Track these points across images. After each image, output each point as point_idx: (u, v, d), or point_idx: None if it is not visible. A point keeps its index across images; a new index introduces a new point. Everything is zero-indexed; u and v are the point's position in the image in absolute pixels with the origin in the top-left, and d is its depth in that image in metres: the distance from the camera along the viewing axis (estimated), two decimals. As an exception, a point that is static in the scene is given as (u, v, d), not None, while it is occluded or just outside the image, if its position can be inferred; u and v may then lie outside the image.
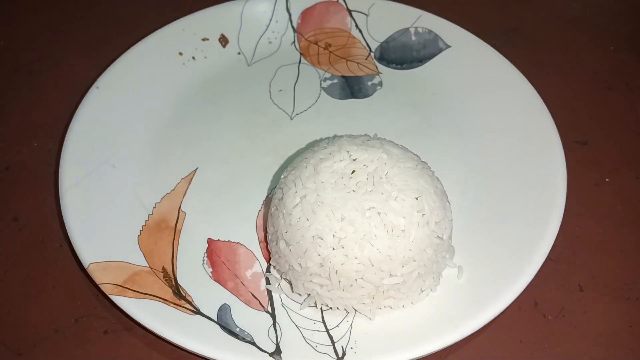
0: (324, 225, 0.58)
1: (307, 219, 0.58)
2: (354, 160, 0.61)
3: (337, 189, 0.59)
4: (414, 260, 0.58)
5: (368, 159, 0.60)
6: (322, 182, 0.59)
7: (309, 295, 0.61)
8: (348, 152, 0.61)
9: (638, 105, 0.84)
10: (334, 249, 0.57)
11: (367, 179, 0.59)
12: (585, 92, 0.85)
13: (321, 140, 0.73)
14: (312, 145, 0.68)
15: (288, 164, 0.66)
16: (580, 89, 0.86)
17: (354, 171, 0.59)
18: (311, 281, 0.59)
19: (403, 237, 0.57)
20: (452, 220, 0.63)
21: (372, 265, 0.57)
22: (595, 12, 0.98)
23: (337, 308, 0.60)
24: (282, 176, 0.64)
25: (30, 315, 0.64)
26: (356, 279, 0.58)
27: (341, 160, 0.60)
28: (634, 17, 0.96)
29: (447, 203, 0.63)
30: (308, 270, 0.59)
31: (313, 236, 0.58)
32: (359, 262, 0.57)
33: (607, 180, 0.75)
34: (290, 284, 0.63)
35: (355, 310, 0.60)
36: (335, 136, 0.67)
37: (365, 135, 0.66)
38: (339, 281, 0.58)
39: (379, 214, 0.57)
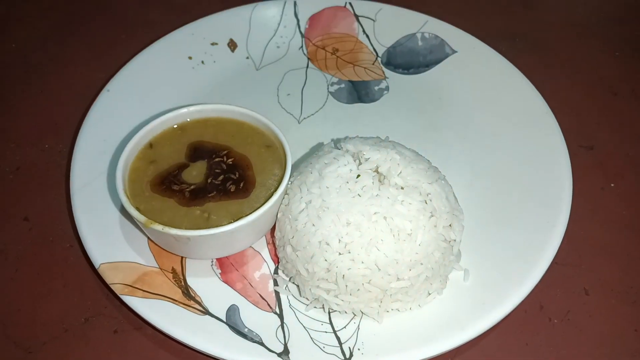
0: (330, 230, 0.58)
1: (313, 225, 0.59)
2: (367, 159, 0.61)
3: (342, 193, 0.59)
4: (421, 264, 0.58)
5: (381, 159, 0.61)
6: (327, 187, 0.59)
7: (315, 299, 0.61)
8: (360, 151, 0.61)
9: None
10: (340, 254, 0.58)
11: (372, 183, 0.59)
12: (591, 97, 0.86)
13: (325, 144, 0.73)
14: (317, 150, 0.68)
15: (295, 167, 0.66)
16: (586, 95, 0.86)
17: (359, 175, 0.60)
18: (318, 286, 0.59)
19: (410, 241, 0.58)
20: (463, 224, 0.63)
21: (379, 269, 0.57)
22: (601, 18, 0.98)
23: (345, 312, 0.61)
24: (289, 181, 0.65)
25: (40, 314, 0.64)
26: (363, 284, 0.58)
27: (345, 165, 0.61)
28: (639, 24, 0.97)
29: (459, 206, 0.64)
30: (315, 275, 0.59)
31: (319, 241, 0.58)
32: (366, 267, 0.57)
33: (612, 185, 0.76)
34: (298, 288, 0.63)
35: (362, 313, 0.61)
36: (346, 137, 0.67)
37: (377, 137, 0.66)
38: (346, 286, 0.58)
39: (384, 218, 0.58)
